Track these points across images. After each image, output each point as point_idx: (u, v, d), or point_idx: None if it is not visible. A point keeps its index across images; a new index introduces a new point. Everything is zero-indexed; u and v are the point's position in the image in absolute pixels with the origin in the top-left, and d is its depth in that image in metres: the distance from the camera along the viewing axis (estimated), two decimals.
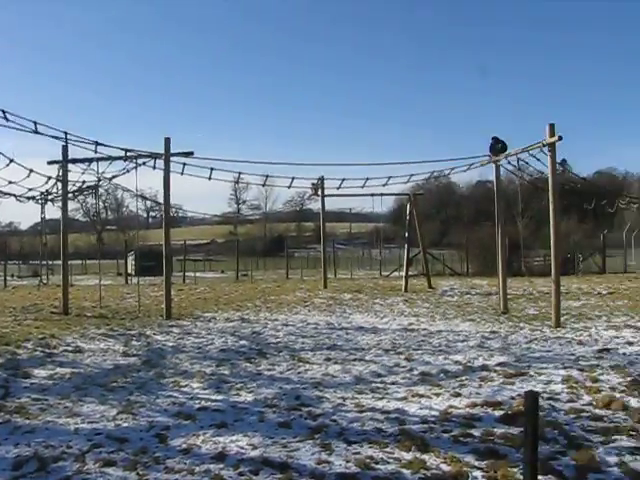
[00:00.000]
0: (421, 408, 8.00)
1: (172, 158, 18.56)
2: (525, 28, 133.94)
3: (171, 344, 13.34)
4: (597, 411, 7.75)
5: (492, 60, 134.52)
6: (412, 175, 23.39)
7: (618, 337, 13.41)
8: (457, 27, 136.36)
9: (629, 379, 9.34)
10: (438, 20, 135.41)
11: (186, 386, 9.46)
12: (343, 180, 24.85)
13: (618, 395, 8.43)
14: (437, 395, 8.65)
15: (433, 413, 7.75)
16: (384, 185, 24.65)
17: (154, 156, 18.64)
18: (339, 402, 8.33)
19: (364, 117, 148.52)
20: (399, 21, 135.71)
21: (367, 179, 24.57)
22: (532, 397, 3.02)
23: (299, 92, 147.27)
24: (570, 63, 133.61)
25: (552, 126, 15.81)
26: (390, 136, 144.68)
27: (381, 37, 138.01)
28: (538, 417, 3.45)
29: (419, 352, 11.97)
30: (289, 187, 24.07)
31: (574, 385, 9.05)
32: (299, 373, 10.30)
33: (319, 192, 29.60)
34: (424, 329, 15.14)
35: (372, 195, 28.36)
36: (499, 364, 10.65)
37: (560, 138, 15.69)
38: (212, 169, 19.88)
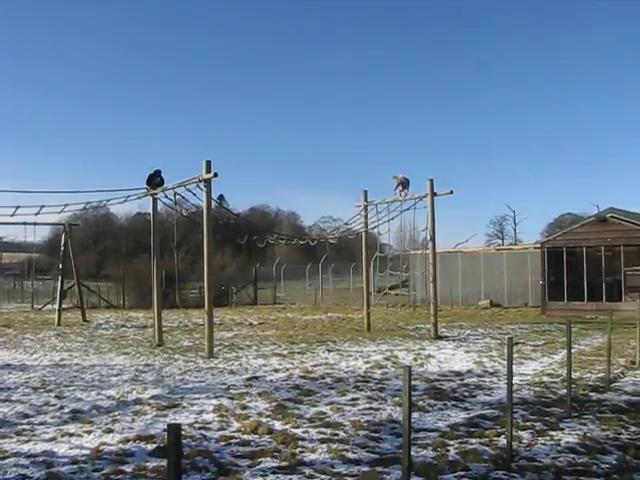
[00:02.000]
0: (71, 448, 7.69)
1: None
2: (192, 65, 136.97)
3: None
4: (245, 437, 8.16)
5: (149, 95, 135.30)
6: (67, 205, 22.60)
7: (266, 365, 14.26)
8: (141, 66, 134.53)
9: (274, 404, 9.99)
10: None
11: None
12: None
13: (264, 420, 8.98)
14: (89, 433, 8.38)
15: (84, 452, 7.49)
16: (36, 214, 23.48)
17: None
18: None
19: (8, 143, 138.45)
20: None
21: (18, 207, 23.17)
22: (174, 430, 3.08)
23: None
24: (228, 102, 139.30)
25: (208, 163, 16.40)
26: (39, 163, 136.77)
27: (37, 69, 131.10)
28: (181, 450, 3.54)
29: (71, 388, 11.52)
30: None
31: (224, 413, 9.41)
32: None
33: None
34: (77, 364, 14.63)
35: (25, 224, 26.86)
36: (153, 397, 10.68)
37: (216, 175, 16.34)
38: None
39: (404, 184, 21.81)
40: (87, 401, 10.41)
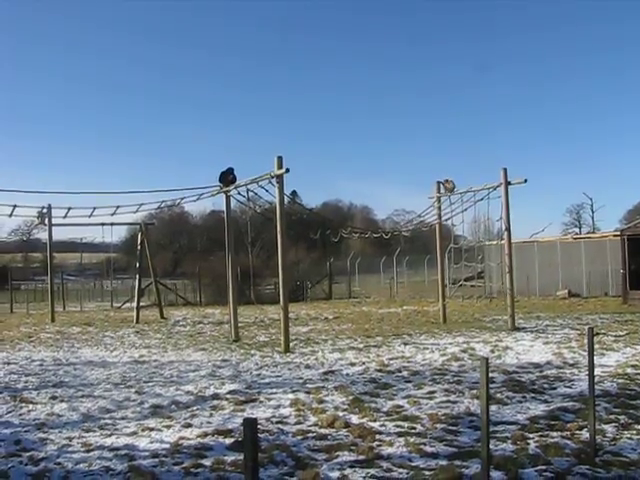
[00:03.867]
0: (151, 442, 7.85)
1: None
2: (252, 60, 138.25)
3: None
4: (322, 430, 8.16)
5: (217, 92, 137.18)
6: (142, 204, 23.13)
7: (342, 359, 14.24)
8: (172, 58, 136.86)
9: (351, 398, 9.96)
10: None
11: None
12: (69, 209, 23.92)
13: (341, 414, 8.97)
14: (168, 427, 8.54)
15: (164, 446, 7.64)
16: (112, 214, 24.13)
17: None
18: (65, 443, 7.88)
19: (89, 145, 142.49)
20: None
21: (95, 208, 23.86)
22: (250, 425, 3.08)
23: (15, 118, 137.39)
24: (297, 96, 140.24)
25: (280, 159, 16.43)
26: (117, 164, 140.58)
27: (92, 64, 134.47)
28: (258, 444, 3.53)
29: (150, 384, 11.75)
30: (10, 215, 22.72)
31: (301, 407, 9.44)
32: (21, 415, 9.58)
33: (45, 221, 28.09)
34: (155, 360, 14.91)
35: (102, 224, 27.57)
36: (230, 392, 10.79)
37: (287, 170, 16.35)
38: None
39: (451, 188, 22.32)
40: (166, 396, 10.60)
